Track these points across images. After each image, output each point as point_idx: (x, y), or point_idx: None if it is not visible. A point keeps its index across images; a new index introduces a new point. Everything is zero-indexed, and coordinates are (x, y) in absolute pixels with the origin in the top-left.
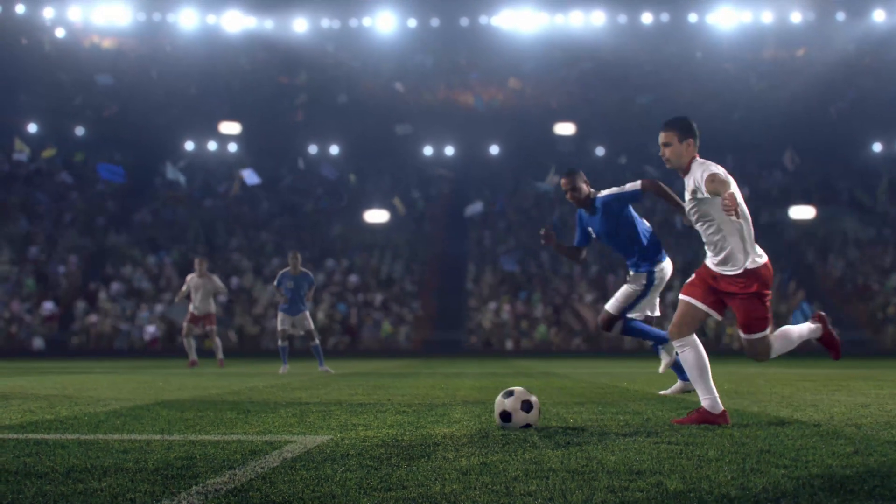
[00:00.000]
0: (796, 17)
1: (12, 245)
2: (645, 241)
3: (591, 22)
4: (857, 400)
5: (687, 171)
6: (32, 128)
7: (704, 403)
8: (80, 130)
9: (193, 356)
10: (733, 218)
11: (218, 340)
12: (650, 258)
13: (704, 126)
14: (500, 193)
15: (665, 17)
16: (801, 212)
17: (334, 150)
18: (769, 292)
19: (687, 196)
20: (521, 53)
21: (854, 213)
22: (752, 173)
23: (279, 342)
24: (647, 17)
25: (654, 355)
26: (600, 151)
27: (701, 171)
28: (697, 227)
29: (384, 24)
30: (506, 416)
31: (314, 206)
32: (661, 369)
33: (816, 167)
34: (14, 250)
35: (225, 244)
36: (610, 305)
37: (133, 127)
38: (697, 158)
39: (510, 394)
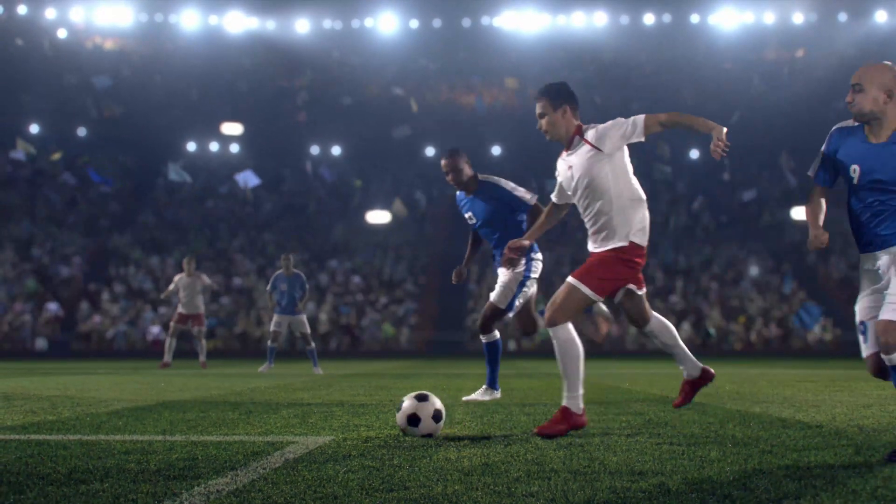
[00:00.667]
0: (798, 18)
1: (15, 246)
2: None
3: (593, 23)
4: (859, 401)
5: (570, 143)
6: (34, 129)
7: (570, 402)
8: (82, 131)
9: (168, 358)
10: (719, 153)
11: (204, 342)
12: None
13: None
14: None
15: (667, 17)
16: (803, 213)
17: (336, 151)
18: (634, 267)
19: (573, 184)
20: (522, 54)
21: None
22: (753, 174)
23: (269, 342)
24: (648, 18)
25: (658, 355)
26: None
27: (594, 131)
28: (587, 211)
29: (386, 25)
30: (414, 419)
31: (316, 207)
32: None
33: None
34: (17, 251)
35: (227, 245)
36: (497, 298)
37: (135, 128)
38: (583, 126)
39: (424, 398)
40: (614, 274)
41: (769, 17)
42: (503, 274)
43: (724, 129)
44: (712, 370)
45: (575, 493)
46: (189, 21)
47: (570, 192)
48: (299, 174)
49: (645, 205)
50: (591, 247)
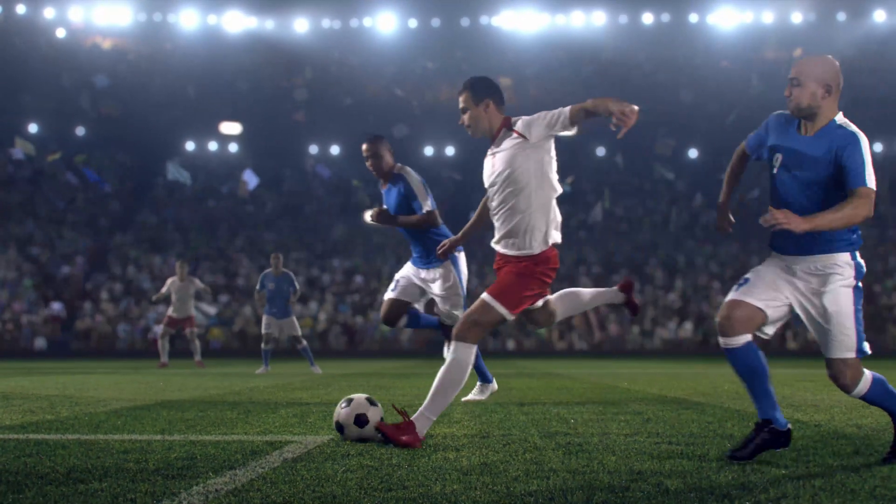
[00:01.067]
0: (797, 18)
1: (16, 246)
2: (435, 239)
3: (592, 22)
4: (857, 400)
5: (495, 137)
6: (33, 128)
7: (420, 421)
8: (80, 131)
9: (165, 358)
10: (624, 129)
11: (197, 342)
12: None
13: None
14: None
15: (666, 17)
16: None
17: (335, 150)
18: (548, 280)
19: (493, 176)
20: (521, 54)
21: None
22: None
23: (263, 345)
24: (647, 18)
25: (656, 355)
26: (601, 151)
27: (522, 121)
28: (501, 206)
29: (385, 25)
30: (339, 427)
31: (317, 206)
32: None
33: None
34: (17, 251)
35: (227, 245)
36: (454, 310)
37: (134, 127)
38: (511, 119)
39: (348, 402)
40: (531, 291)
41: (768, 17)
42: (439, 286)
43: (635, 107)
44: (626, 281)
45: (574, 492)
46: (188, 21)
47: (488, 187)
48: (299, 174)
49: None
50: (503, 248)
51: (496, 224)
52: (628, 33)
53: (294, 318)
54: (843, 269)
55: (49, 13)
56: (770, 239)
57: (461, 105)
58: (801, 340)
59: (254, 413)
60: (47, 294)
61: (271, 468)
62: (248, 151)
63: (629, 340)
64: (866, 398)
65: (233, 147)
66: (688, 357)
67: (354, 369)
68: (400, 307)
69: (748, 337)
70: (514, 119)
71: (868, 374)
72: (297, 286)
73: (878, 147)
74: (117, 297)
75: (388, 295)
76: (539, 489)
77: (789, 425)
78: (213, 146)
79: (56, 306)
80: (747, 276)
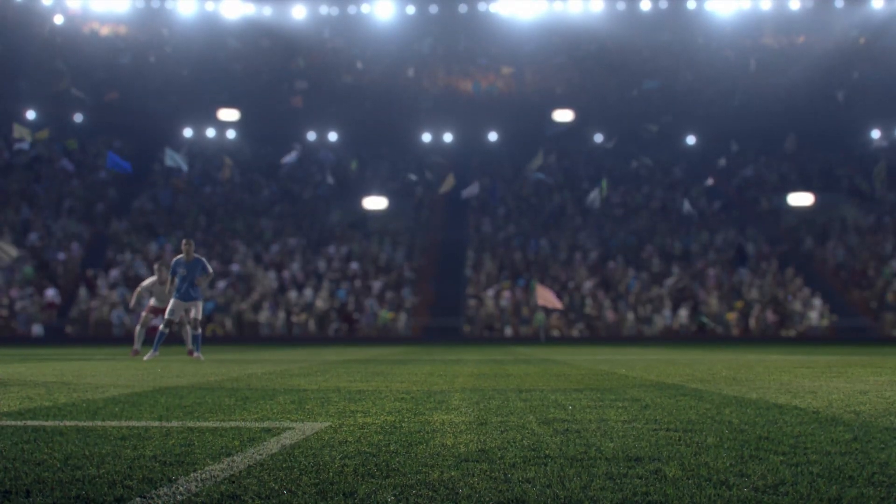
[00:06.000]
0: (795, 4)
1: (13, 232)
2: None
3: (589, 8)
4: (855, 387)
5: None
6: (31, 115)
7: None
8: (78, 117)
9: (138, 346)
10: None
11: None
12: None
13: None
14: (497, 182)
15: (663, 3)
16: (800, 198)
17: (333, 136)
18: None
19: None
20: (519, 40)
21: (853, 200)
22: (750, 160)
23: (161, 327)
24: (645, 4)
25: (653, 342)
26: (598, 138)
27: None
28: None
29: (382, 11)
30: None
31: (313, 192)
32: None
33: (816, 154)
34: (14, 237)
35: (225, 230)
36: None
37: (132, 114)
38: None
39: None
40: None
41: (766, 3)
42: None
43: None
44: None
45: (571, 479)
46: (185, 7)
47: None
48: (296, 160)
49: None
50: None
51: None
52: (626, 19)
53: (200, 303)
54: None
55: (47, 0)
56: None
57: None
58: (798, 328)
59: (251, 400)
60: (44, 280)
61: (269, 455)
62: (245, 138)
63: (626, 327)
64: None
65: (230, 133)
66: (685, 343)
67: (351, 356)
68: None
69: None
70: None
71: None
72: (210, 271)
73: (877, 134)
74: (114, 283)
75: None
76: (537, 475)
77: None
78: (210, 133)
79: (50, 292)
80: None
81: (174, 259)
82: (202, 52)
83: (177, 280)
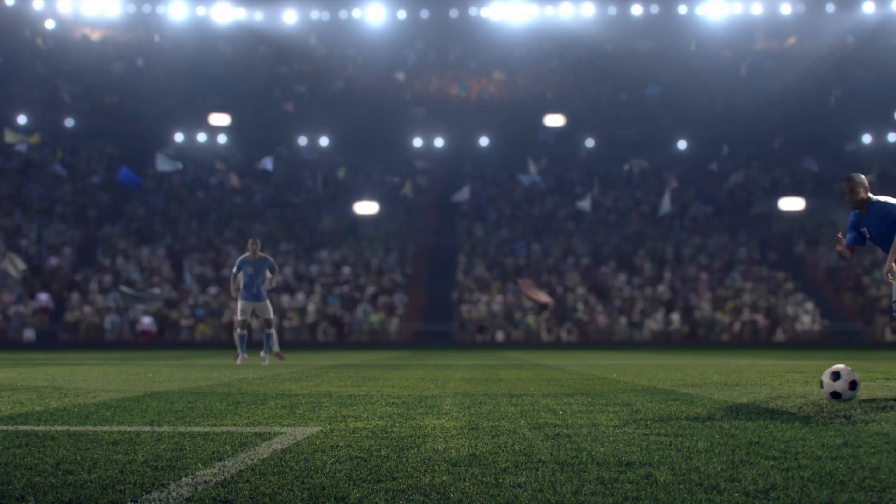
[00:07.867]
0: (786, 9)
1: (4, 237)
2: None
3: (581, 13)
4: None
5: None
6: (22, 119)
7: None
8: (69, 122)
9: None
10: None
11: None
12: None
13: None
14: (488, 188)
15: (654, 8)
16: (791, 203)
17: (324, 141)
18: None
19: None
20: (510, 45)
21: (844, 205)
22: (741, 165)
23: (238, 330)
24: (636, 9)
25: (645, 346)
26: (590, 143)
27: None
28: None
29: (374, 16)
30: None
31: (305, 197)
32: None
33: (807, 158)
34: (6, 242)
35: (216, 235)
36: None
37: (123, 118)
38: None
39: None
40: None
41: (757, 8)
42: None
43: None
44: None
45: (562, 483)
46: (177, 12)
47: None
48: (288, 165)
49: None
50: None
51: None
52: (617, 24)
53: (268, 302)
54: None
55: (38, 4)
56: None
57: None
58: (790, 333)
59: (243, 404)
60: (35, 285)
61: (260, 459)
62: (236, 142)
63: (617, 332)
64: None
65: (222, 138)
66: (676, 348)
67: (342, 360)
68: None
69: None
70: None
71: None
72: (276, 269)
73: (868, 138)
74: (106, 288)
75: None
76: (528, 480)
77: None
78: (202, 137)
79: (42, 297)
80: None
81: (239, 258)
82: (193, 56)
83: (241, 278)
